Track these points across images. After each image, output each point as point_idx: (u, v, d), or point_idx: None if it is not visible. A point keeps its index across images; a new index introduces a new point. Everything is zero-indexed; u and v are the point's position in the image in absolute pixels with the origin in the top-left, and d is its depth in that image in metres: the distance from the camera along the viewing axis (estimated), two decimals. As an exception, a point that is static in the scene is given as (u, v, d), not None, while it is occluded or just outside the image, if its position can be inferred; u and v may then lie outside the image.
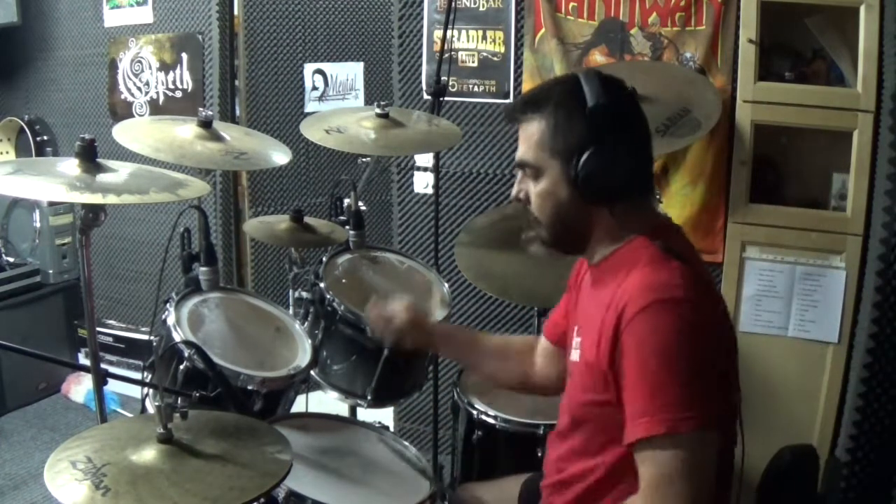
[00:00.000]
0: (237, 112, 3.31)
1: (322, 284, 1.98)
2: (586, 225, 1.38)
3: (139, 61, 3.47)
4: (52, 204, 3.57)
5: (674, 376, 1.20)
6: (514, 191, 1.44)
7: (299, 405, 1.95)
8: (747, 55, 2.30)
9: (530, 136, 1.36)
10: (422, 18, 2.82)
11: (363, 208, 2.23)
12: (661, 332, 1.22)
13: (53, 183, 1.40)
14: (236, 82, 3.29)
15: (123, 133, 1.80)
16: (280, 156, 1.99)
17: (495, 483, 1.83)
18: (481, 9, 2.73)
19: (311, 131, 2.07)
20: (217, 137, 1.90)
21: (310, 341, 1.92)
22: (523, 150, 1.38)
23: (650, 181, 1.43)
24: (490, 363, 1.78)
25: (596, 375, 1.31)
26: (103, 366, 1.58)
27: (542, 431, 1.89)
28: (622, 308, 1.25)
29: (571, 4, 2.57)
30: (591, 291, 1.44)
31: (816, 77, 2.34)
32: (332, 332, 1.97)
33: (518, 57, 2.71)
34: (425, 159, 2.88)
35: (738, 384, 1.39)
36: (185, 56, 3.35)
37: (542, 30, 2.63)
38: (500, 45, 2.74)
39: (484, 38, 2.75)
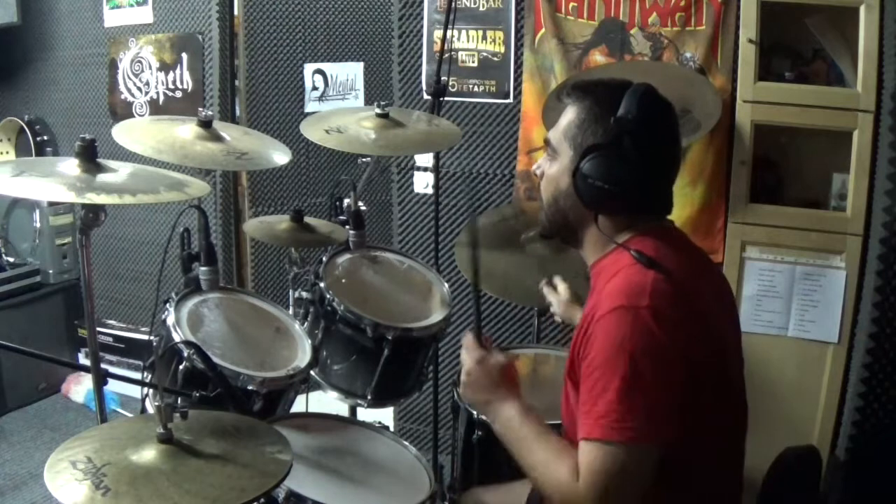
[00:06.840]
0: (237, 112, 3.31)
1: (322, 284, 1.97)
2: (578, 222, 1.42)
3: (139, 61, 3.47)
4: (52, 204, 3.56)
5: (620, 383, 1.20)
6: (535, 165, 1.50)
7: (299, 405, 1.95)
8: (747, 55, 2.30)
9: (563, 120, 1.41)
10: (422, 18, 2.82)
11: (363, 208, 2.23)
12: (617, 336, 1.22)
13: (59, 184, 1.39)
14: (236, 82, 3.29)
15: (123, 133, 1.79)
16: (280, 156, 1.99)
17: (503, 487, 1.82)
18: (481, 9, 2.73)
19: (311, 131, 2.06)
20: (217, 137, 1.89)
21: (310, 341, 1.92)
22: (553, 130, 1.43)
23: (655, 203, 1.42)
24: None
25: (569, 375, 1.35)
26: (103, 366, 1.58)
27: (541, 431, 1.88)
28: (593, 314, 1.28)
29: (571, 4, 2.57)
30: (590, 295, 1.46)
31: (816, 77, 2.34)
32: (332, 332, 1.97)
33: (518, 57, 2.71)
34: (425, 159, 2.88)
35: (733, 400, 1.38)
36: (185, 56, 3.35)
37: (542, 30, 2.62)
38: (500, 45, 2.74)
39: (484, 38, 2.75)
